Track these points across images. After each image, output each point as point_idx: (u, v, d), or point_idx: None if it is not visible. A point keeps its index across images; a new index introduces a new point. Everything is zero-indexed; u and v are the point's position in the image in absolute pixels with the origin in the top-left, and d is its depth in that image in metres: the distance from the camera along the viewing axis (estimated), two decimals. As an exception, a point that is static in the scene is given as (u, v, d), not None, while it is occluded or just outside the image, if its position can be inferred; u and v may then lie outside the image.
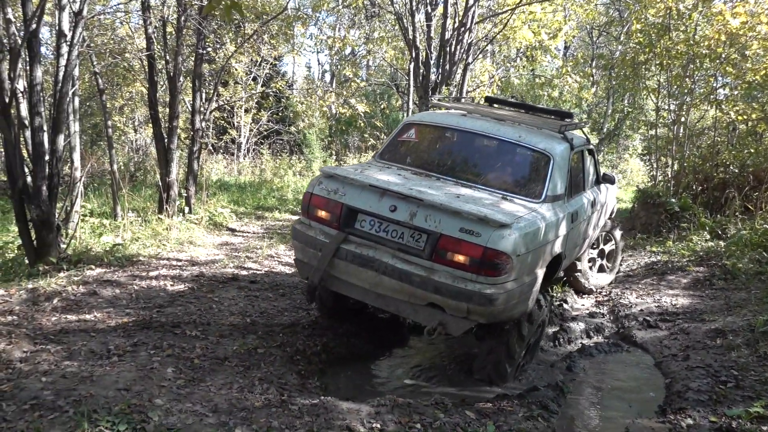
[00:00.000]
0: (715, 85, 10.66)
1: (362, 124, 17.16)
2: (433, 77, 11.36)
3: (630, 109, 19.47)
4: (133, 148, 19.68)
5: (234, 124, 20.67)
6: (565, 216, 4.89)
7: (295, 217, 12.88)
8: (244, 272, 7.13)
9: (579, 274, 6.98)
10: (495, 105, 6.35)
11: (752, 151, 10.84)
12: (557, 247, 4.83)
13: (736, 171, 10.37)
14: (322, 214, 4.39)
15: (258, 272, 7.25)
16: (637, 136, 28.46)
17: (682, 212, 9.94)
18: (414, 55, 11.88)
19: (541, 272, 4.56)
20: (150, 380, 3.72)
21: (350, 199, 4.26)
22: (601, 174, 6.58)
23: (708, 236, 8.91)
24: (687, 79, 10.59)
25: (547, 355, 5.55)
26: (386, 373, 4.88)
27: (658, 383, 4.81)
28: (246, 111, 20.70)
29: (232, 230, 10.35)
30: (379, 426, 3.45)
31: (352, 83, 13.05)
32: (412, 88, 11.04)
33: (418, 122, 5.48)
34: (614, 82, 14.54)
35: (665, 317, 6.17)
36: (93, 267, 6.57)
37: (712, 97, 10.74)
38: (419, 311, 4.17)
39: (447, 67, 10.94)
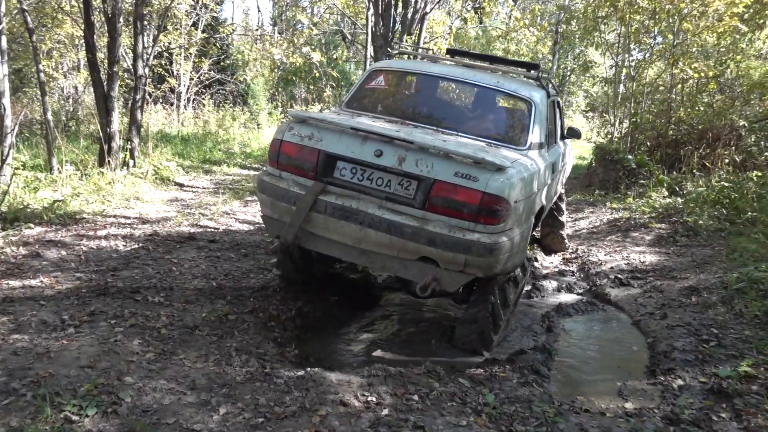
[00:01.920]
0: (673, 41, 10.63)
1: (317, 74, 16.37)
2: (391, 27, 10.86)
3: (578, 65, 19.48)
4: (63, 95, 18.30)
5: (173, 73, 19.50)
6: (547, 165, 4.66)
7: (244, 172, 12.33)
8: (201, 231, 6.68)
9: (563, 232, 6.89)
10: (457, 57, 5.98)
11: (701, 108, 11.01)
12: (543, 199, 4.63)
13: (689, 129, 10.50)
14: (296, 162, 3.92)
15: (215, 231, 6.81)
16: (580, 92, 28.85)
17: (638, 169, 10.01)
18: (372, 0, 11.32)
19: (531, 224, 4.34)
20: (116, 355, 3.33)
21: (328, 145, 3.80)
22: (566, 128, 6.31)
23: (666, 193, 8.99)
24: (646, 35, 10.53)
25: (524, 314, 5.44)
26: (364, 338, 4.64)
27: (639, 343, 4.76)
28: (186, 58, 19.54)
29: (180, 185, 9.76)
30: (374, 399, 3.21)
31: (308, 30, 12.29)
32: (369, 37, 10.53)
33: (386, 69, 5.04)
34: (568, 37, 14.38)
35: (636, 275, 6.16)
36: (32, 226, 5.97)
37: (669, 53, 10.72)
38: (409, 267, 3.80)
39: (408, 15, 10.45)
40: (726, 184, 8.31)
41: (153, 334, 3.74)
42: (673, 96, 10.80)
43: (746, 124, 9.58)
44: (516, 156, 4.08)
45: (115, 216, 6.90)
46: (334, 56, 19.59)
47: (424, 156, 3.61)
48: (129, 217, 6.93)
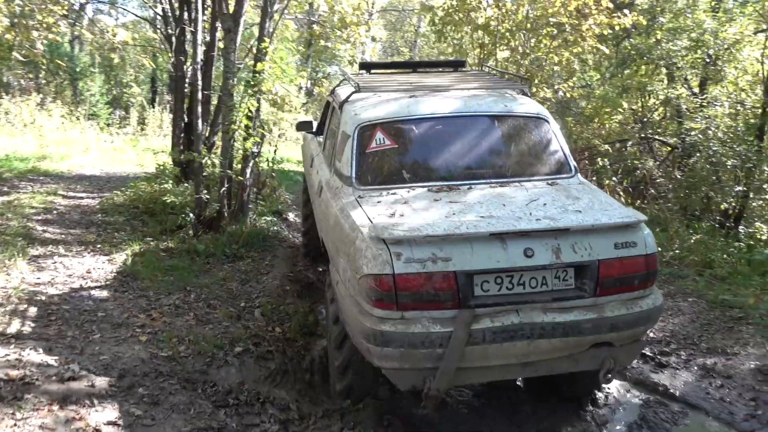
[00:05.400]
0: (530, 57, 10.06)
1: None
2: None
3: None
4: None
5: None
6: None
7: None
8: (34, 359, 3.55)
9: None
10: (373, 70, 5.92)
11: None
12: None
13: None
14: (426, 296, 3.09)
15: (59, 351, 3.72)
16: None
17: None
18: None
19: None
20: None
21: (463, 262, 3.09)
22: None
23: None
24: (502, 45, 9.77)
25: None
26: None
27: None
28: None
29: None
30: None
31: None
32: (201, 16, 7.61)
33: (379, 121, 4.15)
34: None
35: (660, 347, 5.05)
36: None
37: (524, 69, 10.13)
38: (580, 359, 3.40)
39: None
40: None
41: None
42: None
43: (609, 148, 9.42)
44: (594, 191, 3.92)
45: None
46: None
47: (577, 238, 3.23)
48: None
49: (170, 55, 9.98)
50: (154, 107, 18.57)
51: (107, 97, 19.66)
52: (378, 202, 3.60)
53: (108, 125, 17.83)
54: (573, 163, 4.22)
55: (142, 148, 14.55)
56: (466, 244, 3.08)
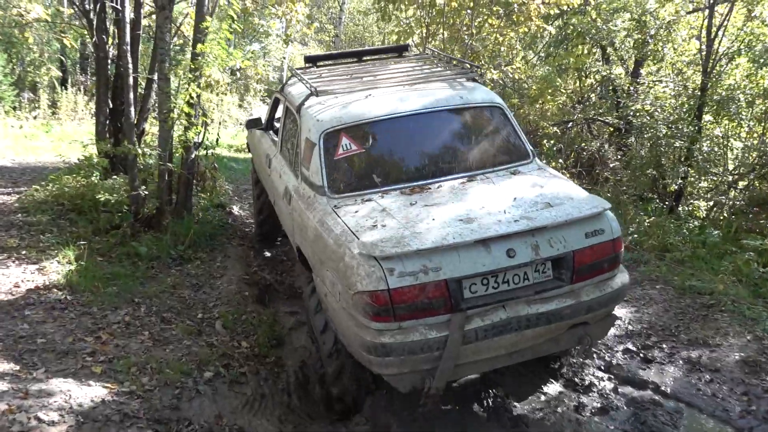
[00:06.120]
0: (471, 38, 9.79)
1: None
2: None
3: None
4: None
5: None
6: None
7: None
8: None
9: None
10: (319, 63, 5.67)
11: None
12: None
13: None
14: (421, 305, 3.21)
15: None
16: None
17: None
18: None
19: None
20: None
21: (452, 270, 3.23)
22: None
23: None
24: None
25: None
26: None
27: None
28: None
29: None
30: None
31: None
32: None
33: (342, 126, 4.12)
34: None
35: (642, 341, 4.94)
36: None
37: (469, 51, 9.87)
38: (560, 340, 3.66)
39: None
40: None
41: None
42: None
43: (558, 130, 9.34)
44: (554, 175, 4.14)
45: None
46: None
47: (553, 233, 3.39)
48: None
49: (86, 33, 9.07)
50: (66, 89, 17.08)
51: (11, 78, 17.91)
52: (356, 211, 3.63)
53: (14, 108, 16.25)
54: (529, 147, 4.38)
55: (57, 135, 13.33)
56: (453, 253, 3.20)
